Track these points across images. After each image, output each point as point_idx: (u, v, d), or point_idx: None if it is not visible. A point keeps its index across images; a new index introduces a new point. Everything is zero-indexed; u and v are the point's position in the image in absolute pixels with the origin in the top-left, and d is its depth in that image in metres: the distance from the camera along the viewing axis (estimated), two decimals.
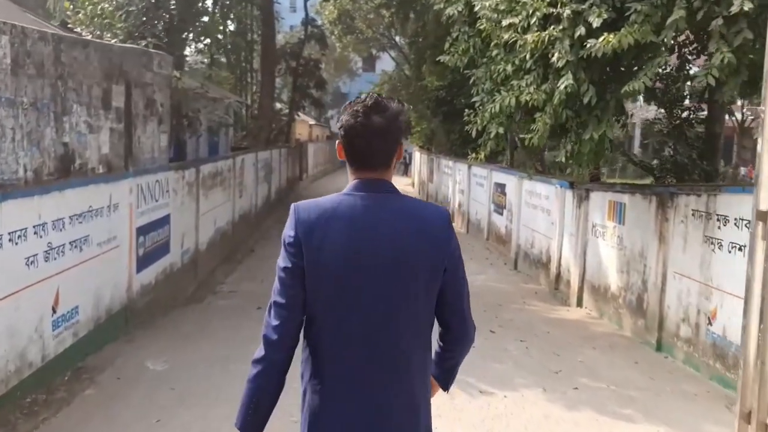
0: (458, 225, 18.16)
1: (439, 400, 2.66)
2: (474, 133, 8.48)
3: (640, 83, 6.12)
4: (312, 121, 44.25)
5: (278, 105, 31.25)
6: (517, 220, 12.33)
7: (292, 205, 1.98)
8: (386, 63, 45.82)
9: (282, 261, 1.93)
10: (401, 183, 34.19)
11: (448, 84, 20.66)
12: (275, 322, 1.94)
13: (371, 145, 1.92)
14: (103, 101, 6.50)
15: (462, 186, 17.99)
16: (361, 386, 1.89)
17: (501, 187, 13.78)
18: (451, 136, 20.96)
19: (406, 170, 41.85)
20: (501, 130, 7.86)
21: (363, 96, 1.98)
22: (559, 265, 10.05)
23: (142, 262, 7.41)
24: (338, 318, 1.89)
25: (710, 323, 6.07)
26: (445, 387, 2.21)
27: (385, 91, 39.59)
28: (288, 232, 1.92)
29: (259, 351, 1.96)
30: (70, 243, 5.57)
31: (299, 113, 28.45)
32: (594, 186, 9.18)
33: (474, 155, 9.84)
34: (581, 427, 4.99)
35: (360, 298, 1.87)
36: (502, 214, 13.67)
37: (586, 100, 6.48)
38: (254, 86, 25.80)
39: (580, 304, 9.11)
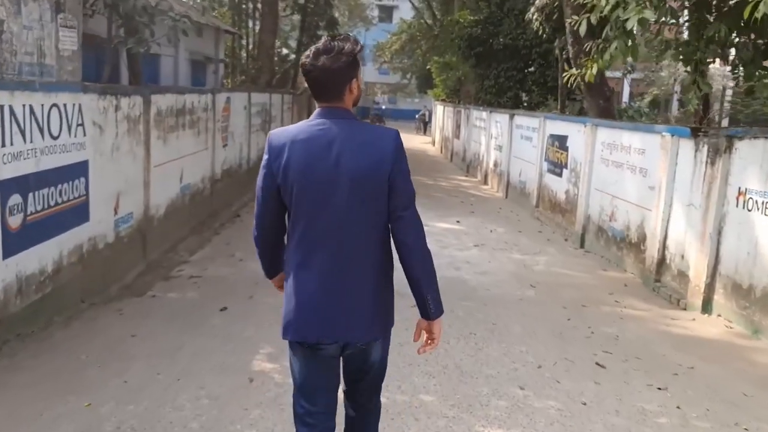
0: (494, 187, 15.08)
1: None
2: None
3: None
4: None
5: (285, 51, 27.96)
6: (587, 183, 9.24)
7: (268, 134, 2.39)
8: (405, 13, 42.14)
9: (259, 180, 2.37)
10: (417, 141, 30.78)
11: (483, 19, 17.32)
12: (255, 230, 2.49)
13: (319, 79, 2.31)
14: None
15: (500, 141, 14.85)
16: (328, 255, 2.30)
17: (560, 140, 10.65)
18: (486, 83, 17.74)
19: (425, 128, 38.49)
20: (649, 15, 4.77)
21: (322, 39, 2.36)
22: (664, 247, 7.00)
23: (19, 239, 4.45)
24: (307, 220, 2.31)
25: None
26: (427, 316, 2.45)
27: (402, 41, 36.17)
28: (264, 155, 2.36)
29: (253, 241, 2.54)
30: None
31: None
32: (748, 131, 6.03)
33: (586, 68, 7.16)
34: None
35: (319, 204, 2.27)
36: (560, 174, 10.57)
37: None
38: (256, 26, 22.47)
39: (707, 309, 6.08)
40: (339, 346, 2.37)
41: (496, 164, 15.28)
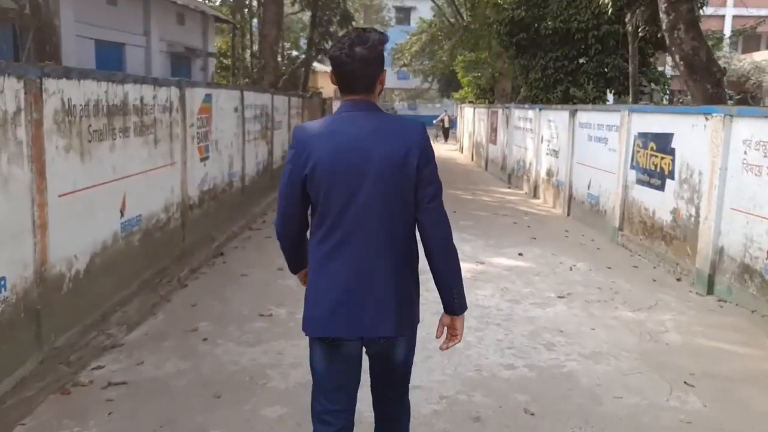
0: (548, 201, 12.20)
1: None
2: None
3: None
4: None
5: (295, 53, 25.35)
6: (716, 200, 6.37)
7: (294, 128, 2.43)
8: (423, 14, 39.45)
9: (285, 174, 2.30)
10: (441, 150, 27.68)
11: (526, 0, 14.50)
12: (279, 221, 2.41)
13: (354, 72, 2.24)
14: None
15: (556, 144, 11.99)
16: (354, 249, 2.23)
17: (658, 141, 7.78)
18: (531, 76, 14.86)
19: (446, 136, 34.51)
20: None
21: (350, 30, 2.34)
22: None
23: None
24: (334, 213, 2.23)
25: None
26: (452, 311, 2.40)
27: (423, 41, 33.46)
28: (290, 150, 2.30)
29: (276, 237, 2.47)
30: None
31: (319, 58, 22.43)
32: None
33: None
34: None
35: (347, 194, 2.20)
36: (660, 187, 7.68)
37: None
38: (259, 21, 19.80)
39: None
40: (361, 343, 2.31)
41: (550, 173, 12.40)
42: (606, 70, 13.59)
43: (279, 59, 24.22)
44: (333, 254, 2.24)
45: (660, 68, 16.01)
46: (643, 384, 4.16)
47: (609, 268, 7.37)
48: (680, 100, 9.87)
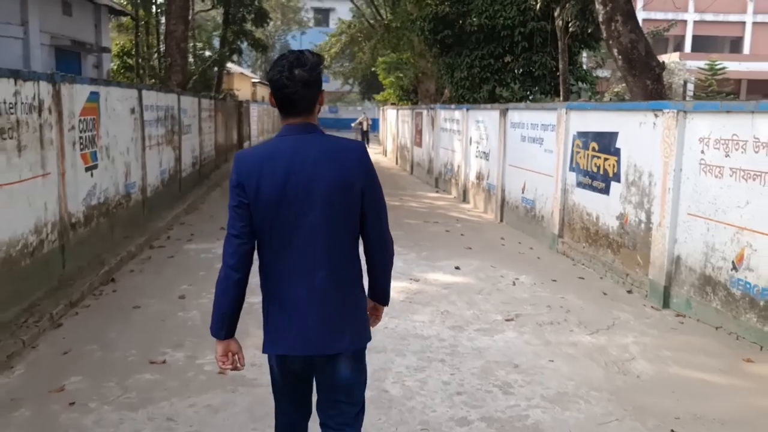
0: (479, 206, 11.56)
1: None
2: None
3: None
4: (256, 78, 36.63)
5: (208, 53, 23.90)
6: (671, 205, 5.79)
7: (235, 155, 2.35)
8: (342, 15, 38.57)
9: (231, 200, 2.27)
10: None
11: None
12: (230, 249, 2.27)
13: (295, 94, 2.24)
14: None
15: (485, 146, 11.37)
16: (304, 276, 2.26)
17: (601, 140, 7.20)
18: (456, 76, 14.25)
19: (365, 139, 31.16)
20: None
21: (287, 53, 2.31)
22: None
23: None
24: (281, 235, 2.25)
25: None
26: (382, 300, 2.55)
27: (343, 42, 32.61)
28: (232, 177, 2.27)
29: (221, 272, 2.29)
30: None
31: (234, 59, 21.10)
32: None
33: None
34: None
35: (294, 218, 2.23)
36: (604, 190, 7.11)
37: None
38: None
39: None
40: (312, 359, 2.33)
41: (480, 177, 11.78)
42: (533, 68, 13.12)
43: (190, 59, 22.79)
44: (287, 276, 2.28)
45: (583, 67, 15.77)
46: None
47: (554, 280, 6.71)
48: (612, 99, 9.41)
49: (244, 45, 21.98)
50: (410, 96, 22.93)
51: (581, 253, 7.57)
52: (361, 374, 2.41)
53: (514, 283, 6.55)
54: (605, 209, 7.11)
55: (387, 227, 2.40)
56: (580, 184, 7.73)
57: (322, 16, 47.19)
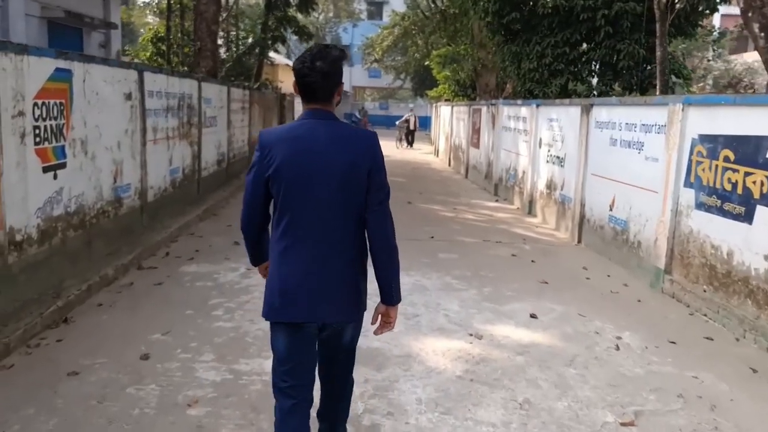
0: (548, 221, 9.57)
1: None
2: None
3: None
4: None
5: (250, 41, 22.39)
6: None
7: (260, 131, 2.57)
8: (397, 7, 36.75)
9: (250, 175, 2.52)
10: (410, 154, 24.60)
11: None
12: (244, 217, 2.61)
13: (314, 84, 2.46)
14: None
15: (559, 150, 9.40)
16: (311, 243, 2.45)
17: (742, 147, 5.19)
18: (525, 66, 12.23)
19: (410, 140, 28.45)
20: None
21: (314, 45, 2.54)
22: None
23: None
24: (293, 211, 2.45)
25: None
26: (389, 301, 2.60)
27: (395, 35, 30.83)
28: (256, 153, 2.50)
29: (241, 230, 2.67)
30: None
31: (278, 50, 19.51)
32: None
33: None
34: None
35: (306, 193, 2.43)
36: (745, 218, 5.10)
37: None
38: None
39: None
40: (317, 327, 2.52)
41: (551, 186, 9.80)
42: (618, 59, 11.04)
43: (234, 48, 21.35)
44: (292, 247, 2.45)
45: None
46: None
47: (673, 343, 4.76)
48: None
49: (289, 34, 20.39)
50: (467, 91, 20.96)
51: (702, 299, 5.57)
52: (356, 337, 2.68)
53: (617, 347, 4.63)
54: (743, 243, 5.10)
55: (388, 209, 2.54)
56: (701, 206, 5.72)
57: (375, 8, 45.44)
